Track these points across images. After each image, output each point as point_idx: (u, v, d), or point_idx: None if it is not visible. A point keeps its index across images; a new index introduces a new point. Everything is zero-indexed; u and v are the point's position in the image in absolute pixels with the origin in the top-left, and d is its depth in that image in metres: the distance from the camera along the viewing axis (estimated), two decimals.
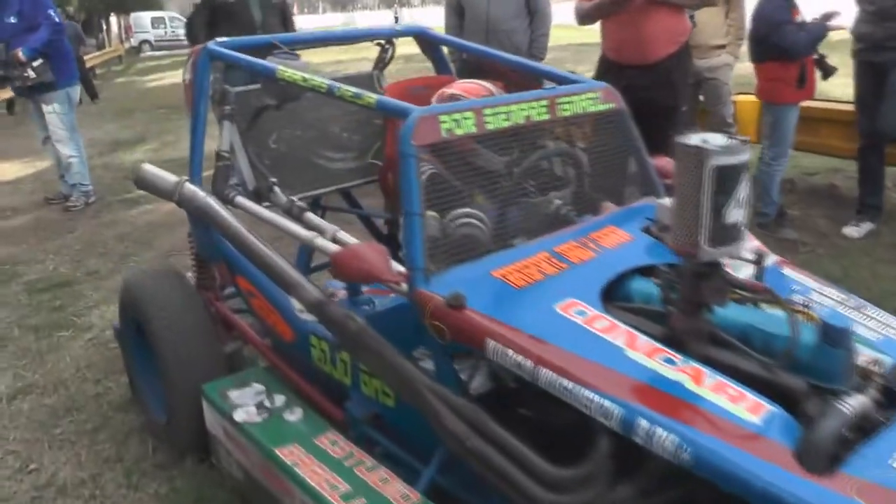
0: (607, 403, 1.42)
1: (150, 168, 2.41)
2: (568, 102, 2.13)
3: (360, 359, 1.90)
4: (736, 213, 1.45)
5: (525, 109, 2.01)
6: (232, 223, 2.16)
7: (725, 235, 1.45)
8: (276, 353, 2.43)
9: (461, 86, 2.44)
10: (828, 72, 4.18)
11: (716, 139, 1.45)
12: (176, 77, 15.84)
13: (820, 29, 4.06)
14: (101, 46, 21.40)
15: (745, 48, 4.81)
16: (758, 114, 4.89)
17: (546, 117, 2.07)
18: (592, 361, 1.51)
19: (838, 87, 5.87)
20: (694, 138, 1.48)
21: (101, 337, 3.47)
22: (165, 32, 29.49)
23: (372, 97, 1.96)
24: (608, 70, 3.59)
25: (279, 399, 2.10)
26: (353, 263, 1.71)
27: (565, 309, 1.64)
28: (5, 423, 2.81)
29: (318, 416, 2.06)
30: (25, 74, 5.35)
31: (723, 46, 4.83)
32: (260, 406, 2.07)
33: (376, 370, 1.83)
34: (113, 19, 29.50)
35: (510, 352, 1.56)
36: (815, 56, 4.18)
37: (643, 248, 1.95)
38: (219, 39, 2.50)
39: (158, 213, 5.47)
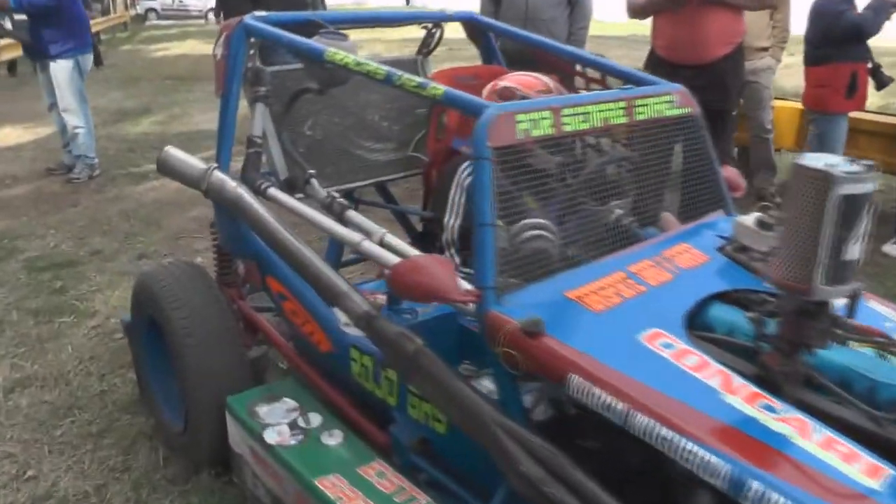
0: (714, 460, 1.24)
1: (175, 152, 2.19)
2: (644, 105, 1.95)
3: (413, 383, 1.70)
4: (856, 250, 1.30)
5: (603, 111, 1.82)
6: (267, 220, 1.95)
7: (843, 274, 1.30)
8: (305, 360, 2.23)
9: (517, 79, 2.25)
10: (883, 83, 3.99)
11: (841, 163, 1.29)
12: (183, 48, 15.57)
13: (887, 5, 3.84)
14: (105, 12, 20.92)
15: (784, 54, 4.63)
16: (798, 121, 4.71)
17: (623, 120, 1.89)
18: (689, 406, 1.34)
19: (877, 99, 5.69)
20: (814, 159, 1.31)
21: (106, 325, 3.25)
22: (172, 2, 28.99)
23: (439, 89, 1.75)
24: (657, 67, 3.40)
25: (315, 418, 1.90)
26: (415, 278, 1.49)
27: (650, 340, 1.48)
28: (2, 419, 2.59)
29: (360, 441, 1.87)
30: (1, 21, 5.24)
31: (766, 49, 4.62)
32: (293, 425, 1.87)
33: (434, 398, 1.63)
34: None
35: (596, 390, 1.38)
36: (870, 65, 3.98)
37: (721, 270, 1.79)
38: (257, 14, 2.27)
39: (166, 191, 5.21)
